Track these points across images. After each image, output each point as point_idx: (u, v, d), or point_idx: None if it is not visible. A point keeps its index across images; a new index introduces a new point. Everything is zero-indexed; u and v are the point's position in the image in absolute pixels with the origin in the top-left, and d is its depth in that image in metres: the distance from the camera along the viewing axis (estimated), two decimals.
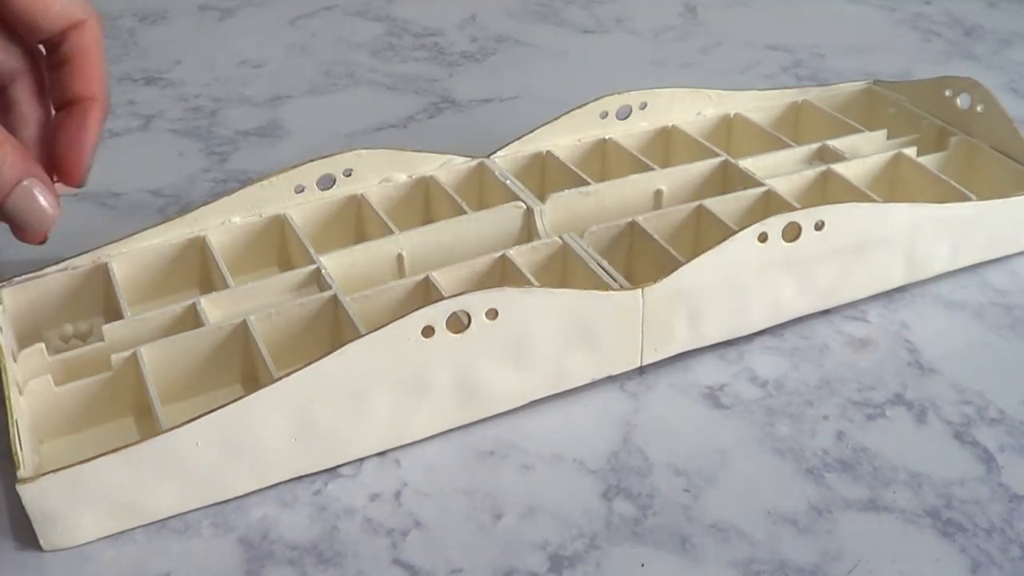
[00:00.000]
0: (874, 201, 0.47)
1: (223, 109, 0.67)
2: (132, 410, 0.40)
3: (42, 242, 0.39)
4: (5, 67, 0.40)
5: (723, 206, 0.47)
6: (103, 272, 0.44)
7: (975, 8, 0.84)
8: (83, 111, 0.39)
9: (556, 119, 0.53)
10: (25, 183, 0.36)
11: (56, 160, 0.39)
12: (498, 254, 0.44)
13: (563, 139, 0.53)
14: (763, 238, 0.42)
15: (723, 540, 0.36)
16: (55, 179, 0.39)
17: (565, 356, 0.40)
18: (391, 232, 0.46)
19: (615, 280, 0.42)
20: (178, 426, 0.35)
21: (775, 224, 0.42)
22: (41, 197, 0.37)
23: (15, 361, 0.39)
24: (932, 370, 0.44)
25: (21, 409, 0.37)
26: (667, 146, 0.55)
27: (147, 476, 0.35)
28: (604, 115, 0.54)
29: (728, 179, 0.51)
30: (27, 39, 0.39)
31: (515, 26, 0.81)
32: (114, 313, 0.42)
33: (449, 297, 0.37)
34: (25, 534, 0.35)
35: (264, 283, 0.43)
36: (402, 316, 0.37)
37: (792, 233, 0.43)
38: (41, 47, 0.40)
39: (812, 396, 0.42)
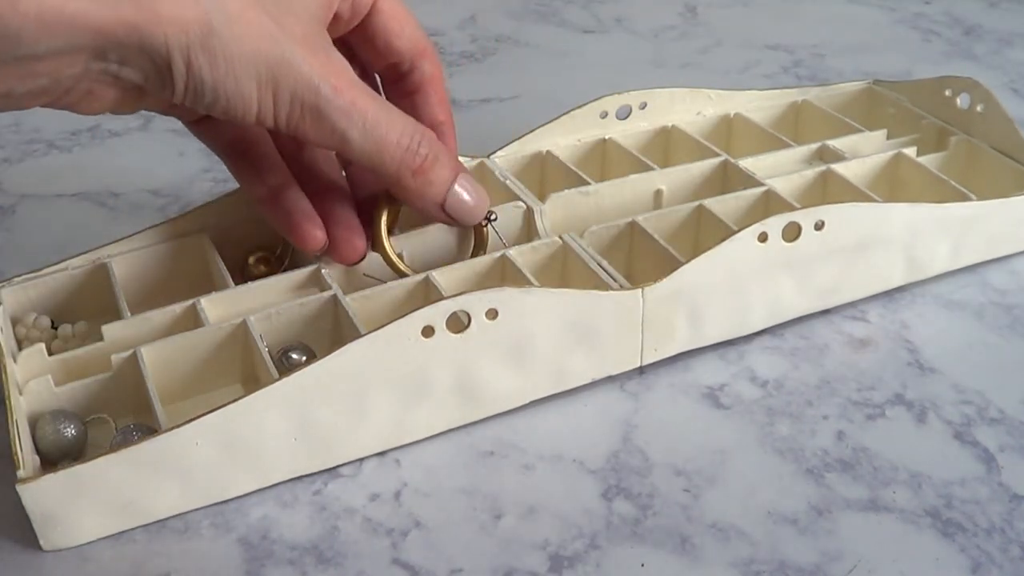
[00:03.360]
0: (874, 201, 0.47)
1: None
2: (132, 410, 0.40)
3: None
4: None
5: (723, 206, 0.47)
6: (103, 272, 0.44)
7: (975, 8, 0.84)
8: (442, 136, 0.43)
9: (556, 119, 0.53)
10: (456, 187, 0.41)
11: None
12: (498, 254, 0.44)
13: (563, 139, 0.53)
14: (763, 238, 0.42)
15: (723, 540, 0.36)
16: None
17: (565, 356, 0.40)
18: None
19: (615, 280, 0.42)
20: (178, 426, 0.35)
21: (775, 224, 0.42)
22: (466, 194, 0.41)
23: (15, 361, 0.39)
24: (932, 370, 0.44)
25: (21, 409, 0.37)
26: (667, 146, 0.55)
27: (147, 476, 0.35)
28: (604, 115, 0.54)
29: (728, 179, 0.51)
30: (376, 62, 0.42)
31: (515, 26, 0.81)
32: (114, 313, 0.42)
33: (449, 297, 0.37)
34: (25, 534, 0.35)
35: (264, 283, 0.43)
36: (402, 316, 0.37)
37: (792, 233, 0.43)
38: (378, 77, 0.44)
39: (812, 396, 0.42)
